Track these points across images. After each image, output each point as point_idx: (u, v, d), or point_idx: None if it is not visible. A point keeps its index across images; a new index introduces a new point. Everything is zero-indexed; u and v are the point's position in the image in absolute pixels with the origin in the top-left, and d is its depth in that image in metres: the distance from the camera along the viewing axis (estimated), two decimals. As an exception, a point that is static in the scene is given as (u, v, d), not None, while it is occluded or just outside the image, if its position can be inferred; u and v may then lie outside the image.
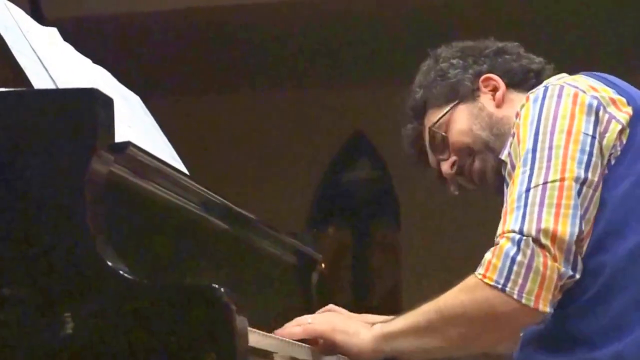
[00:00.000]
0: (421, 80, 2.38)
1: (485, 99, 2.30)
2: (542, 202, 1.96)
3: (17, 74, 1.97)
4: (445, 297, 2.00)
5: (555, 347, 2.03)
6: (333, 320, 2.09)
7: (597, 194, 2.00)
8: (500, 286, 1.94)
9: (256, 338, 1.72)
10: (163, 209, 1.93)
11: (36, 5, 2.95)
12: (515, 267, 1.93)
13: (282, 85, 7.34)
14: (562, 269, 1.94)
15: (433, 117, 2.34)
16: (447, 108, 2.31)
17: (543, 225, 1.94)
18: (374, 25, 6.41)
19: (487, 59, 2.33)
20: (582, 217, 1.97)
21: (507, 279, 1.93)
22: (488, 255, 1.97)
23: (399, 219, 7.70)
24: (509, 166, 2.11)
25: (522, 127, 2.06)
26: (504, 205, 2.05)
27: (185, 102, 7.51)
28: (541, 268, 1.92)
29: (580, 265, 1.97)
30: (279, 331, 2.06)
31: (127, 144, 1.75)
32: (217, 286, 1.63)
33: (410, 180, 7.46)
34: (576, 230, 1.95)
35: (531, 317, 1.96)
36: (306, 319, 2.08)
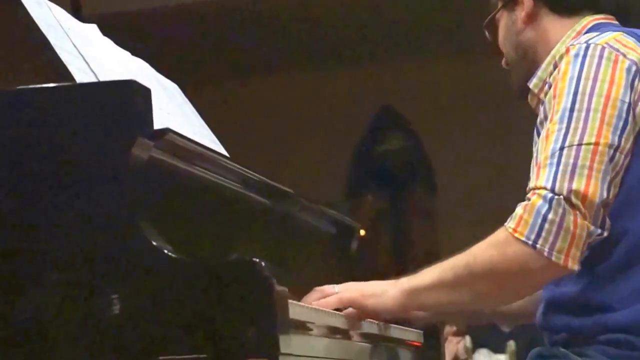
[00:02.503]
0: None
1: (519, 11, 2.23)
2: (575, 163, 1.93)
3: (61, 71, 1.98)
4: (474, 251, 1.97)
5: (578, 311, 2.02)
6: (359, 286, 2.05)
7: (627, 160, 1.98)
8: (530, 242, 1.91)
9: (295, 309, 1.71)
10: (203, 189, 1.94)
11: (77, 4, 2.97)
12: (546, 225, 1.90)
13: (313, 64, 7.33)
14: (592, 228, 1.92)
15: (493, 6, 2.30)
16: (496, 8, 2.27)
17: (574, 186, 1.92)
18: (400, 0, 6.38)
19: None
20: (611, 182, 1.96)
21: (538, 235, 1.90)
22: (519, 210, 1.94)
23: (434, 184, 7.68)
24: (541, 114, 2.08)
25: (561, 81, 2.02)
26: (535, 157, 2.03)
27: (222, 86, 7.53)
28: (571, 227, 1.90)
29: (608, 224, 1.96)
30: (310, 301, 2.03)
31: (166, 130, 1.76)
32: (257, 260, 1.63)
33: (443, 148, 7.48)
34: (605, 193, 1.93)
35: (559, 273, 1.94)
36: (332, 288, 2.04)
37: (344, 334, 2.01)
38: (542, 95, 2.13)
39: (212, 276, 1.63)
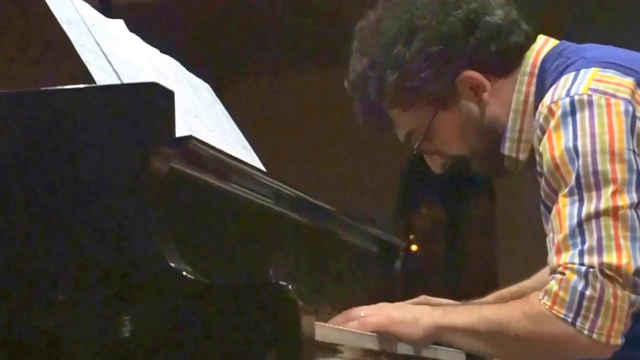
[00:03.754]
0: (369, 60, 2.09)
1: (468, 101, 2.07)
2: (600, 237, 1.89)
3: (84, 69, 1.98)
4: (507, 315, 1.95)
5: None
6: (388, 311, 2.02)
7: None
8: (570, 320, 1.89)
9: (323, 331, 1.70)
10: (230, 203, 1.93)
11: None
12: (585, 302, 1.88)
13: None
14: (633, 297, 1.90)
15: (401, 118, 2.12)
16: (426, 119, 2.09)
17: (606, 260, 1.88)
18: None
19: (458, 52, 2.04)
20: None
21: (577, 314, 1.88)
22: (554, 287, 1.90)
23: (493, 191, 7.62)
24: (545, 188, 1.99)
25: (557, 150, 1.92)
26: (550, 237, 1.97)
27: (263, 83, 7.52)
28: (612, 300, 1.88)
29: None
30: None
31: (189, 138, 1.74)
32: (284, 283, 1.61)
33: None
34: (639, 262, 1.89)
35: (601, 351, 1.92)
36: (358, 311, 2.01)
37: (375, 355, 2.00)
38: (520, 156, 2.07)
39: (232, 299, 1.63)
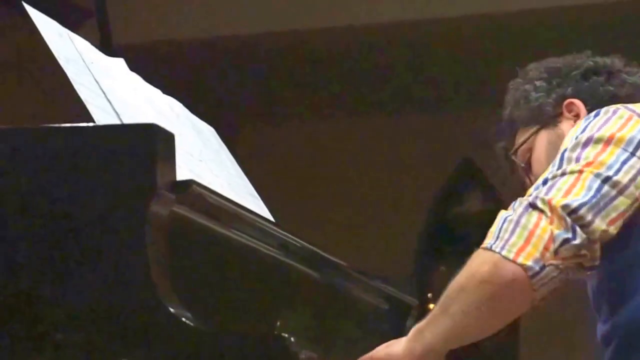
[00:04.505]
0: (509, 99, 2.42)
1: (567, 126, 2.30)
2: (553, 186, 1.96)
3: (83, 108, 1.98)
4: (460, 273, 2.02)
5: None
6: (372, 353, 2.06)
7: (626, 200, 1.98)
8: (489, 246, 1.95)
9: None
10: (232, 251, 1.93)
11: (106, 32, 2.99)
12: (504, 225, 1.94)
13: (382, 108, 7.32)
14: (556, 231, 1.93)
15: (520, 138, 2.39)
16: (529, 133, 2.36)
17: (541, 195, 1.95)
18: (479, 47, 6.37)
19: (572, 82, 2.35)
20: (585, 195, 1.95)
21: (497, 237, 1.94)
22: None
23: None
24: None
25: (566, 138, 2.09)
26: None
27: (272, 130, 7.54)
28: (530, 226, 1.92)
29: (581, 234, 1.94)
30: None
31: (190, 182, 1.74)
32: (285, 335, 1.61)
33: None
34: (574, 204, 1.93)
35: (511, 272, 1.93)
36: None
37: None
38: None
39: (231, 349, 1.63)
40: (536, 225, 1.93)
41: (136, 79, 2.27)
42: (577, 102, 2.32)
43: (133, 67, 2.29)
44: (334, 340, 2.31)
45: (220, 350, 1.63)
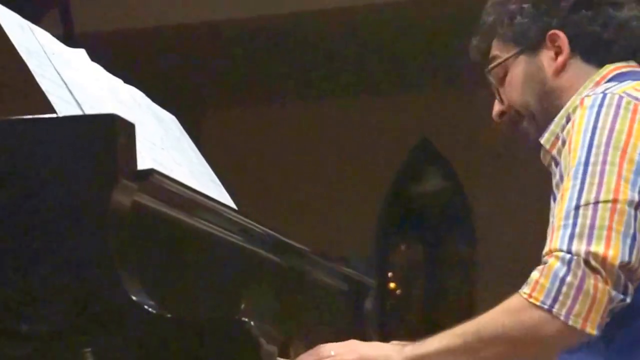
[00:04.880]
0: (492, 11, 2.32)
1: (546, 58, 2.24)
2: (593, 224, 1.95)
3: (46, 99, 2.00)
4: (484, 317, 1.99)
5: None
6: (358, 349, 2.04)
7: None
8: (547, 307, 1.93)
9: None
10: (194, 238, 1.95)
11: (69, 22, 3.00)
12: (564, 288, 1.92)
13: (340, 92, 7.34)
14: (613, 293, 1.94)
15: (495, 51, 2.30)
16: (508, 54, 2.27)
17: (593, 249, 1.93)
18: (439, 30, 6.40)
19: (560, 12, 2.24)
20: (633, 243, 1.96)
21: (555, 299, 1.92)
22: (535, 275, 1.96)
23: (474, 233, 7.65)
24: (556, 175, 2.10)
25: (576, 135, 2.04)
26: (550, 222, 2.04)
27: (234, 114, 7.54)
28: (591, 290, 1.92)
29: (631, 290, 1.96)
30: None
31: (151, 171, 1.76)
32: (245, 319, 1.64)
33: (484, 190, 7.45)
34: (626, 257, 1.94)
35: (576, 338, 1.96)
36: (328, 350, 2.03)
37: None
38: (554, 152, 2.15)
39: (194, 334, 1.66)
40: (595, 288, 1.92)
41: (98, 69, 2.28)
42: (562, 35, 2.22)
43: (95, 55, 2.31)
44: (296, 322, 2.33)
45: (182, 335, 1.65)
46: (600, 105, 2.04)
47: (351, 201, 7.48)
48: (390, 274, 7.94)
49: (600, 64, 2.21)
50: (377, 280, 7.84)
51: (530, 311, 1.94)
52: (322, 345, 2.05)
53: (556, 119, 2.19)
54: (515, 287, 2.18)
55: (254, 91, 7.35)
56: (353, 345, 2.06)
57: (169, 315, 1.67)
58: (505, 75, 2.28)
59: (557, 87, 2.22)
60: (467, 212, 7.71)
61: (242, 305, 2.09)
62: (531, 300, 1.94)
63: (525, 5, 2.25)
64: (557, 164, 2.11)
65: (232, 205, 2.43)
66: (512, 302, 1.97)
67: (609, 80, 2.17)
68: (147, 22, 6.26)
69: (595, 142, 2.00)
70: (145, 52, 6.43)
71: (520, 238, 7.15)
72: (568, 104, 2.18)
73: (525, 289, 1.96)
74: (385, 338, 2.31)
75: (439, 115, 7.28)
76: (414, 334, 2.36)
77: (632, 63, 2.23)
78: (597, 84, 2.18)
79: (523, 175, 7.41)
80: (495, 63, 2.28)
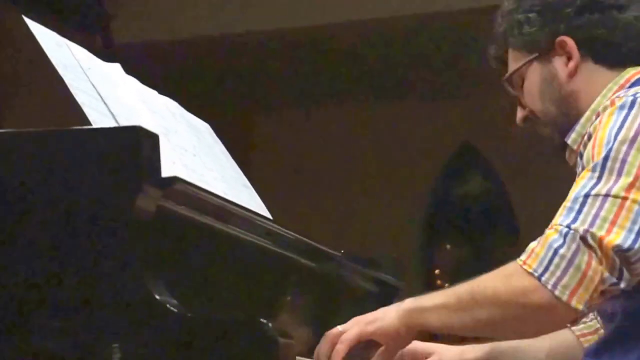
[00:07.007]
0: (501, 22, 2.31)
1: (559, 63, 2.24)
2: (598, 214, 1.94)
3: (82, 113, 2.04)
4: (480, 279, 2.00)
5: None
6: (359, 318, 2.08)
7: None
8: (537, 274, 1.92)
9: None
10: (221, 242, 1.98)
11: (107, 35, 3.04)
12: (556, 259, 1.92)
13: (386, 98, 7.35)
14: (606, 274, 1.92)
15: (511, 60, 2.31)
16: (521, 62, 2.27)
17: (592, 229, 1.93)
18: (481, 37, 6.39)
19: (565, 18, 2.23)
20: (636, 238, 1.94)
21: (546, 269, 1.92)
22: (533, 244, 1.96)
23: (517, 233, 7.62)
24: (579, 169, 2.08)
25: (601, 131, 2.04)
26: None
27: (276, 117, 7.56)
28: (583, 266, 1.91)
29: (626, 275, 1.94)
30: (323, 354, 2.04)
31: (174, 179, 1.80)
32: (264, 321, 1.66)
33: (527, 191, 7.43)
34: (625, 245, 1.92)
35: (561, 311, 1.93)
36: (336, 329, 2.06)
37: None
38: (581, 149, 2.13)
39: (214, 334, 1.69)
40: (588, 265, 1.91)
41: (132, 81, 2.32)
42: (570, 41, 2.22)
43: (131, 66, 2.35)
44: (328, 324, 2.35)
45: (203, 335, 1.69)
46: (630, 108, 2.04)
47: (396, 203, 7.49)
48: (437, 271, 7.93)
49: (612, 65, 2.21)
50: (424, 279, 7.84)
51: (521, 277, 1.94)
52: (332, 330, 2.07)
53: (582, 120, 2.19)
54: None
55: (292, 97, 7.39)
56: (356, 318, 2.09)
57: (189, 314, 1.71)
58: (523, 82, 2.28)
59: (574, 90, 2.22)
60: (510, 213, 7.69)
61: (273, 310, 2.12)
62: (524, 267, 1.94)
63: (531, 15, 2.25)
64: (581, 157, 2.09)
65: (263, 208, 2.46)
66: (508, 268, 1.98)
67: (633, 84, 2.17)
68: (183, 34, 6.31)
69: (619, 139, 1.99)
70: (210, 59, 6.49)
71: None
72: (594, 104, 2.18)
73: (522, 256, 1.96)
74: (431, 337, 2.31)
75: (480, 119, 7.26)
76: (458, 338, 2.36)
77: None
78: (622, 86, 2.18)
79: (563, 174, 7.38)
80: (510, 72, 2.29)
